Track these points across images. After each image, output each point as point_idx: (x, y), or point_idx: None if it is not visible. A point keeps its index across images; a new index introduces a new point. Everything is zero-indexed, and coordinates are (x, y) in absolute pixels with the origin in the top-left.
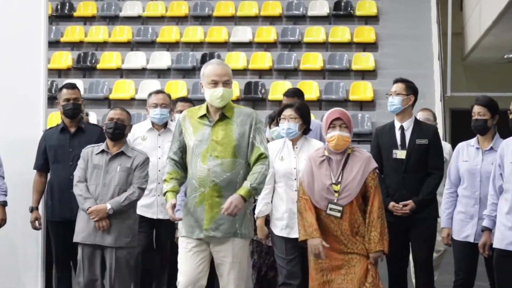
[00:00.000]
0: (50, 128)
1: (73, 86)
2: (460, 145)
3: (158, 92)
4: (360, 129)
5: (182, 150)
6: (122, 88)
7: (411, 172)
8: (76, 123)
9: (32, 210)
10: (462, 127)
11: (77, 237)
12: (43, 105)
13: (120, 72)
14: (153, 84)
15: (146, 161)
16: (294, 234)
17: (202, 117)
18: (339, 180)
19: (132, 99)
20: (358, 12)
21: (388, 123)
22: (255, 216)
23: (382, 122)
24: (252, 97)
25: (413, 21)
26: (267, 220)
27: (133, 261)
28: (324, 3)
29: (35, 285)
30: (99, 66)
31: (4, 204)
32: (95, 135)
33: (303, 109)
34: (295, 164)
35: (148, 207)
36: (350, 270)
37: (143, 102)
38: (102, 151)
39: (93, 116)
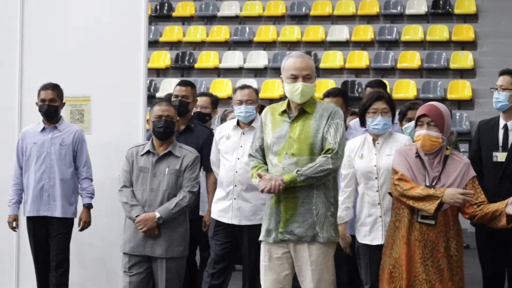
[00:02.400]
0: None
1: (185, 83)
2: None
3: (243, 87)
4: (458, 128)
5: (263, 147)
6: (220, 87)
7: (510, 178)
8: (186, 121)
9: None
10: None
11: (124, 248)
12: (143, 105)
13: (218, 71)
14: (250, 83)
15: (197, 160)
16: (378, 241)
17: (283, 112)
18: (434, 184)
19: (229, 98)
20: (457, 11)
21: (494, 118)
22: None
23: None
24: (349, 96)
25: None
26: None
27: (183, 271)
28: (422, 1)
29: None
30: (197, 65)
31: (89, 206)
32: (202, 136)
33: (392, 100)
34: (376, 161)
35: (225, 211)
36: None
37: None
38: (148, 152)
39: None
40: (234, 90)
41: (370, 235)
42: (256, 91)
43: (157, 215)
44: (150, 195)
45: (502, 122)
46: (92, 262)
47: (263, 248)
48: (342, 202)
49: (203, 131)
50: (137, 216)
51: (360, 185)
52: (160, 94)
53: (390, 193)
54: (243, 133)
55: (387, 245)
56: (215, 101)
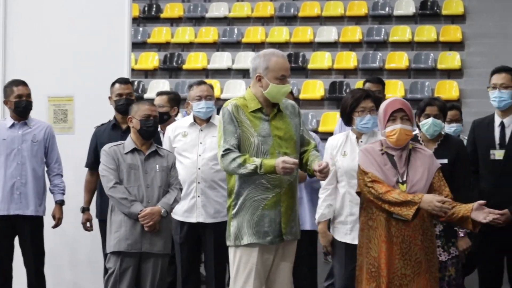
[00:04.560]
0: (102, 124)
1: (126, 81)
2: None
3: (200, 83)
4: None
5: (239, 144)
6: None
7: (510, 176)
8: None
9: (83, 210)
10: None
11: (119, 246)
12: None
13: (206, 72)
14: (238, 84)
15: (175, 159)
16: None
17: (255, 110)
18: (405, 179)
19: (218, 99)
20: (444, 12)
21: (488, 116)
22: (316, 221)
23: (468, 121)
24: (337, 96)
25: (500, 19)
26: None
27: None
28: (410, 2)
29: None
30: (185, 66)
31: (62, 203)
32: None
33: (377, 99)
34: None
35: (190, 211)
36: None
37: None
38: (133, 150)
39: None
40: (190, 86)
41: (351, 234)
42: (212, 87)
43: (162, 209)
44: (147, 191)
45: (498, 120)
46: (86, 262)
47: (250, 252)
48: (324, 199)
49: None
50: (141, 211)
51: (341, 183)
52: (148, 95)
53: (358, 193)
54: (201, 130)
55: (362, 245)
56: (175, 99)
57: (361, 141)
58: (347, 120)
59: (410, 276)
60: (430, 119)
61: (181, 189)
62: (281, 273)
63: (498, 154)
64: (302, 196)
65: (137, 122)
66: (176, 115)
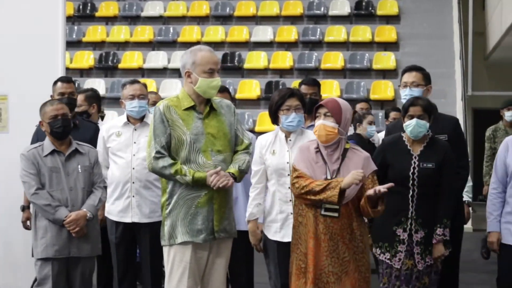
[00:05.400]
0: None
1: (68, 80)
2: (509, 138)
3: (133, 82)
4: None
5: (169, 144)
6: None
7: None
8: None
9: (23, 209)
10: (485, 126)
11: (47, 252)
12: None
13: (142, 72)
14: (174, 83)
15: (97, 155)
16: (288, 238)
17: (188, 108)
18: (334, 176)
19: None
20: (379, 12)
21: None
22: (246, 219)
23: None
24: None
25: (434, 20)
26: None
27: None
28: (345, 2)
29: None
30: (120, 65)
31: None
32: (89, 131)
33: (303, 97)
34: (288, 158)
35: (125, 211)
36: (333, 286)
37: None
38: (52, 152)
39: (113, 115)
40: (123, 85)
41: (281, 231)
42: (146, 86)
43: (88, 213)
44: (70, 194)
45: None
46: (18, 265)
47: (184, 250)
48: (253, 198)
49: (89, 127)
50: (66, 217)
51: (271, 181)
52: None
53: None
54: (135, 129)
55: (294, 242)
56: (93, 96)
57: (290, 140)
58: (274, 118)
59: (337, 275)
60: (414, 120)
61: (105, 187)
62: (215, 271)
63: None
64: (237, 196)
65: (46, 125)
66: (100, 111)
